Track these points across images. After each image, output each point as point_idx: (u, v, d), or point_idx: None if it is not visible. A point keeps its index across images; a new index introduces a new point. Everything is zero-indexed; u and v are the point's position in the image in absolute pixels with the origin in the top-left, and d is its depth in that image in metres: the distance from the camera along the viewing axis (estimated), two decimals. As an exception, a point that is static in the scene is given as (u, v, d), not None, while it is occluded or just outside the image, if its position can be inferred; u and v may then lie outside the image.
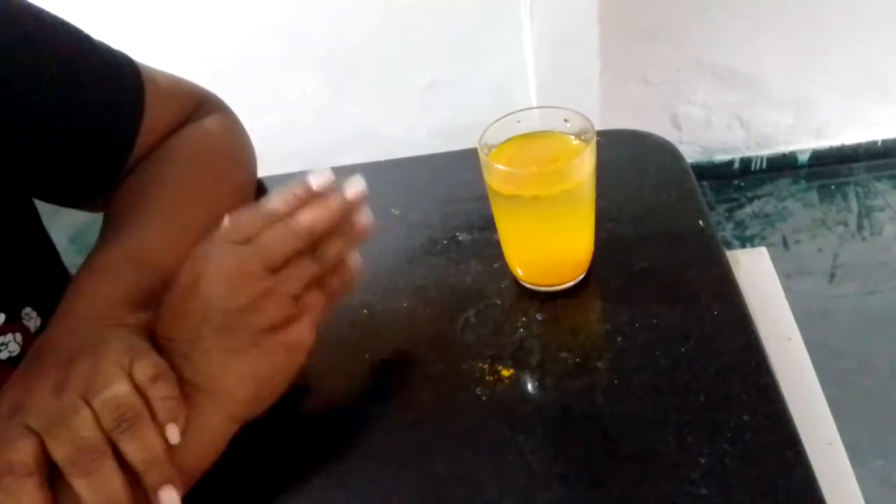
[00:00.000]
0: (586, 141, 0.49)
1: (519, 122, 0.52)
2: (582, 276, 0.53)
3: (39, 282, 0.49)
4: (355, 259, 0.46)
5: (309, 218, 0.43)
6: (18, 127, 0.46)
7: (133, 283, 0.45)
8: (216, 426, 0.41)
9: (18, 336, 0.45)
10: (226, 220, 0.43)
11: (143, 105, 0.53)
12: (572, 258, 0.52)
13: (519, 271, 0.53)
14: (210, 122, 0.58)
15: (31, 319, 0.46)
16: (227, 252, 0.41)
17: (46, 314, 0.46)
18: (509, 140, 0.52)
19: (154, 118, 0.54)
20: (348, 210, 0.45)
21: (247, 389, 0.41)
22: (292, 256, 0.42)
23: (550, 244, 0.52)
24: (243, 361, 0.41)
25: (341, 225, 0.45)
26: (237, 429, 0.42)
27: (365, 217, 0.46)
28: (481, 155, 0.49)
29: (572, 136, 0.51)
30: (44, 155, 0.48)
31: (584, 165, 0.48)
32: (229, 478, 0.45)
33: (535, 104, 1.64)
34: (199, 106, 0.59)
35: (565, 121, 0.51)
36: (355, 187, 0.45)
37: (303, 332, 0.43)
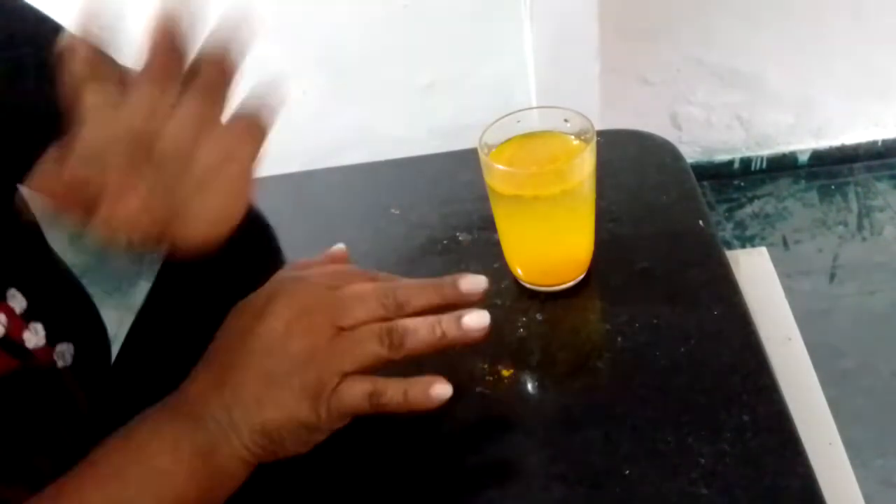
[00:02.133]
0: (586, 141, 0.49)
1: (519, 122, 0.52)
2: (582, 276, 0.53)
3: (24, 263, 0.49)
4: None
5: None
6: (23, 118, 0.46)
7: None
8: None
9: (3, 317, 0.45)
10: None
11: None
12: (572, 258, 0.52)
13: (519, 271, 0.53)
14: None
15: (17, 300, 0.46)
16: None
17: (32, 296, 0.46)
18: (509, 140, 0.52)
19: None
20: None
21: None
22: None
23: (550, 244, 0.52)
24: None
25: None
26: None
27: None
28: (481, 155, 0.49)
29: (572, 136, 0.51)
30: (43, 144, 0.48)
31: (584, 165, 0.48)
32: (229, 478, 0.45)
33: (535, 104, 1.64)
34: None
35: (565, 121, 0.51)
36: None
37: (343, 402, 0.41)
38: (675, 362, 0.46)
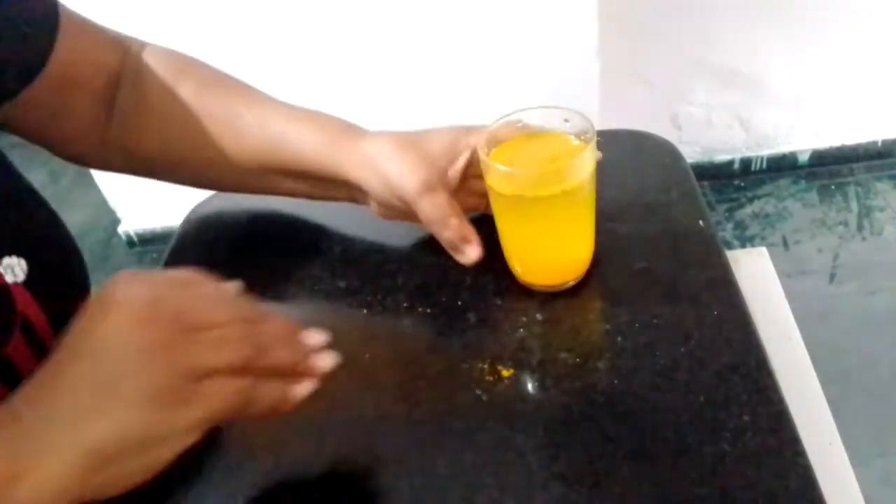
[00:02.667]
0: (586, 141, 0.49)
1: (519, 122, 0.52)
2: (582, 276, 0.53)
3: (23, 229, 0.47)
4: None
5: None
6: None
7: None
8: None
9: None
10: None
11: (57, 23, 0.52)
12: (572, 258, 0.52)
13: (518, 270, 0.53)
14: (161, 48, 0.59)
15: (11, 271, 0.43)
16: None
17: (35, 259, 0.45)
18: (509, 140, 0.52)
19: (72, 46, 0.53)
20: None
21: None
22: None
23: (550, 244, 0.52)
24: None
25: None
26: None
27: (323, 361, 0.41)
28: (481, 155, 0.49)
29: (573, 136, 0.51)
30: None
31: (585, 165, 0.48)
32: (229, 478, 0.45)
33: (535, 104, 1.63)
34: (128, 47, 0.59)
35: (566, 121, 0.51)
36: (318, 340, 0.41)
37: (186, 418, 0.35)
38: (675, 362, 0.46)
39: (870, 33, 1.71)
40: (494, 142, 0.51)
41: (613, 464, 0.41)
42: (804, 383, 0.62)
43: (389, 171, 0.52)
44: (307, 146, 0.54)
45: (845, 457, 0.56)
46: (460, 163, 0.53)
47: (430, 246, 0.59)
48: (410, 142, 0.53)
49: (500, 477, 0.42)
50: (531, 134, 0.52)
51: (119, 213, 2.04)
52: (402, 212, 0.54)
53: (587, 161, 0.48)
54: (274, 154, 0.56)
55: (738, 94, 1.81)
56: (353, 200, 0.58)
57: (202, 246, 0.63)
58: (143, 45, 0.59)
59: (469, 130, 0.54)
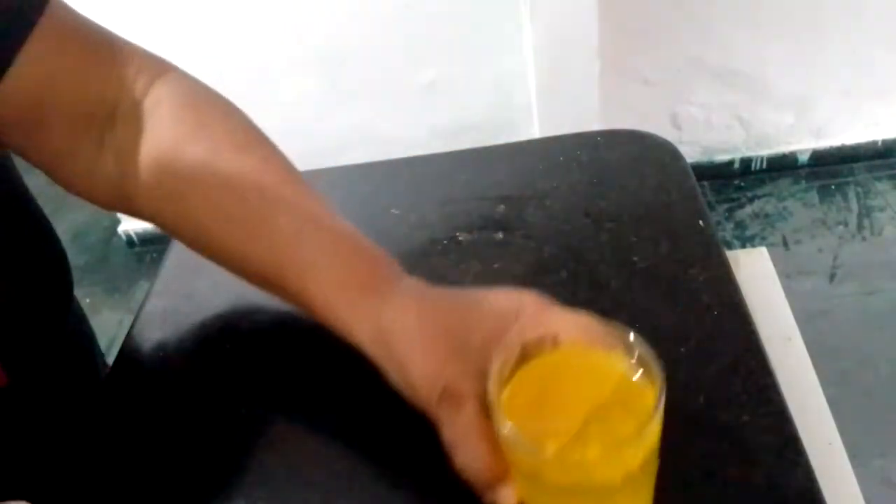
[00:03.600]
0: (651, 380, 0.32)
1: (553, 339, 0.34)
2: None
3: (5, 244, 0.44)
4: None
5: None
6: None
7: None
8: None
9: None
10: None
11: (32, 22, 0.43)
12: None
13: None
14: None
15: None
16: None
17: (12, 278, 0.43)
18: (534, 362, 0.34)
19: (47, 55, 0.44)
20: None
21: None
22: None
23: None
24: None
25: None
26: None
27: None
28: (493, 410, 0.32)
29: (629, 362, 0.34)
30: None
31: (653, 429, 0.31)
32: (229, 477, 0.45)
33: (534, 104, 1.64)
34: (140, 67, 0.48)
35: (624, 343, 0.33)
36: None
37: None
38: (675, 362, 0.46)
39: (870, 33, 1.71)
40: (512, 360, 0.34)
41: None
42: (804, 383, 0.62)
43: (406, 364, 0.38)
44: (312, 284, 0.42)
45: (845, 457, 0.56)
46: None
47: (430, 246, 0.59)
48: (445, 324, 0.39)
49: (500, 477, 0.42)
50: (573, 355, 0.35)
51: (119, 213, 2.04)
52: (424, 412, 0.39)
53: (655, 424, 0.31)
54: (280, 279, 0.44)
55: (738, 94, 1.81)
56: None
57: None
58: (164, 68, 0.49)
59: (525, 309, 0.38)
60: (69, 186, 0.50)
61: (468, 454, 0.36)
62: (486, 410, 0.35)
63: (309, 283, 0.42)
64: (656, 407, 0.30)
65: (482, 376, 0.35)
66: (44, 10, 0.44)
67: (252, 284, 0.48)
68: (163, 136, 0.46)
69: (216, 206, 0.45)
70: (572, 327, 0.36)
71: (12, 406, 0.49)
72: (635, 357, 0.33)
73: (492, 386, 0.33)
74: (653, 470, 0.33)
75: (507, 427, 0.31)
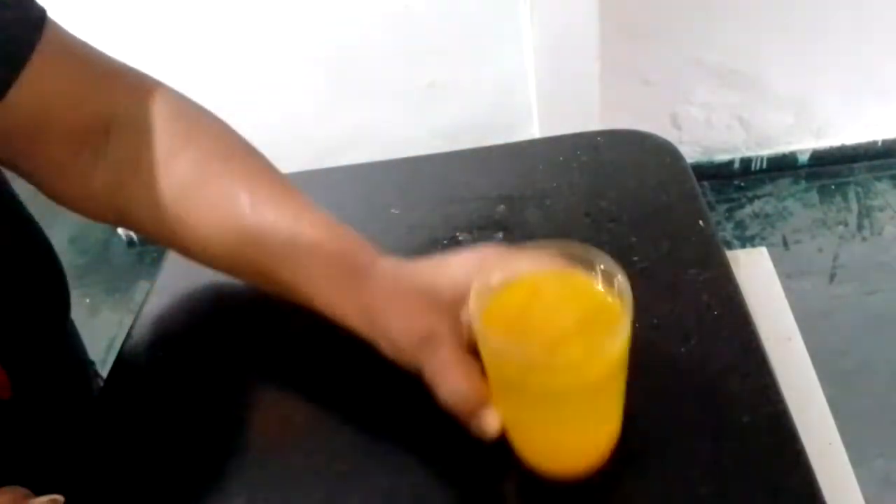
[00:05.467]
0: (619, 295, 0.36)
1: (525, 261, 0.39)
2: (605, 461, 0.41)
3: None
4: None
5: None
6: None
7: None
8: None
9: None
10: None
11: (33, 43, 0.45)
12: (592, 445, 0.40)
13: (523, 454, 0.41)
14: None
15: None
16: None
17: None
18: (514, 283, 0.38)
19: (48, 72, 0.46)
20: None
21: None
22: None
23: (564, 436, 0.40)
24: None
25: None
26: None
27: None
28: (473, 319, 0.36)
29: (599, 281, 0.37)
30: None
31: (620, 338, 0.34)
32: (230, 477, 0.45)
33: (535, 104, 1.64)
34: (131, 85, 0.51)
35: (596, 264, 0.37)
36: None
37: None
38: (675, 362, 0.46)
39: (870, 33, 1.72)
40: (491, 289, 0.38)
41: (613, 464, 0.41)
42: (804, 383, 0.62)
43: (389, 327, 0.43)
44: (303, 278, 0.46)
45: (845, 457, 0.56)
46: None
47: (430, 246, 0.59)
48: (416, 284, 0.44)
49: (500, 477, 0.42)
50: (546, 277, 0.38)
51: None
52: (413, 367, 0.42)
53: (622, 334, 0.34)
54: (271, 271, 0.47)
55: (738, 94, 1.81)
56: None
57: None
58: (153, 85, 0.51)
59: (486, 260, 0.42)
60: (61, 199, 0.52)
61: (450, 385, 0.39)
62: (462, 349, 0.40)
63: (300, 275, 0.46)
64: (625, 310, 0.34)
65: (456, 325, 0.41)
66: (42, 32, 0.46)
67: (243, 280, 0.52)
68: (155, 147, 0.48)
69: (209, 211, 0.47)
70: (534, 264, 0.39)
71: (15, 418, 0.49)
72: (600, 274, 0.37)
73: (472, 305, 0.36)
74: (624, 376, 0.37)
75: (494, 341, 0.35)
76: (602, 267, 0.37)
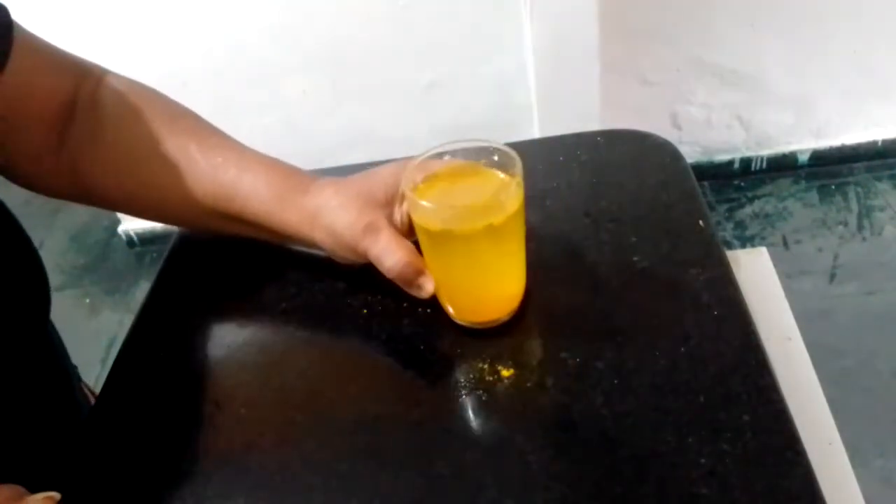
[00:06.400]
0: (513, 175, 0.48)
1: (446, 155, 0.50)
2: (514, 313, 0.51)
3: None
4: None
5: None
6: None
7: None
8: None
9: None
10: None
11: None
12: (502, 294, 0.51)
13: (450, 310, 0.51)
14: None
15: None
16: None
17: None
18: (436, 174, 0.50)
19: (25, 69, 0.52)
20: None
21: None
22: None
23: (479, 281, 0.50)
24: None
25: None
26: None
27: None
28: (406, 191, 0.47)
29: (500, 172, 0.49)
30: None
31: (511, 200, 0.46)
32: (230, 477, 0.45)
33: (534, 104, 1.64)
34: (86, 73, 0.57)
35: (493, 156, 0.49)
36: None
37: None
38: (675, 362, 0.46)
39: (870, 33, 1.72)
40: (421, 176, 0.50)
41: (613, 464, 0.41)
42: (804, 383, 0.62)
43: (333, 224, 0.51)
44: (255, 201, 0.53)
45: (845, 457, 0.56)
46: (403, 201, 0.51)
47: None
48: (353, 189, 0.52)
49: (499, 477, 0.42)
50: (459, 168, 0.50)
51: (119, 213, 2.04)
52: (359, 257, 0.52)
53: (513, 196, 0.47)
54: (225, 203, 0.54)
55: (738, 94, 1.81)
56: (313, 247, 0.55)
57: (202, 245, 0.63)
58: (103, 72, 0.57)
59: (410, 163, 0.52)
60: (28, 182, 0.57)
61: (392, 258, 0.49)
62: (399, 234, 0.50)
63: (251, 201, 0.54)
64: (515, 179, 0.47)
65: (391, 219, 0.51)
66: (13, 33, 0.51)
67: (200, 227, 0.60)
68: (111, 121, 0.55)
69: (166, 167, 0.54)
70: (447, 164, 0.50)
71: None
72: (500, 164, 0.49)
73: (405, 183, 0.47)
74: (523, 239, 0.50)
75: (423, 203, 0.46)
76: (496, 158, 0.49)
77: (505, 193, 0.46)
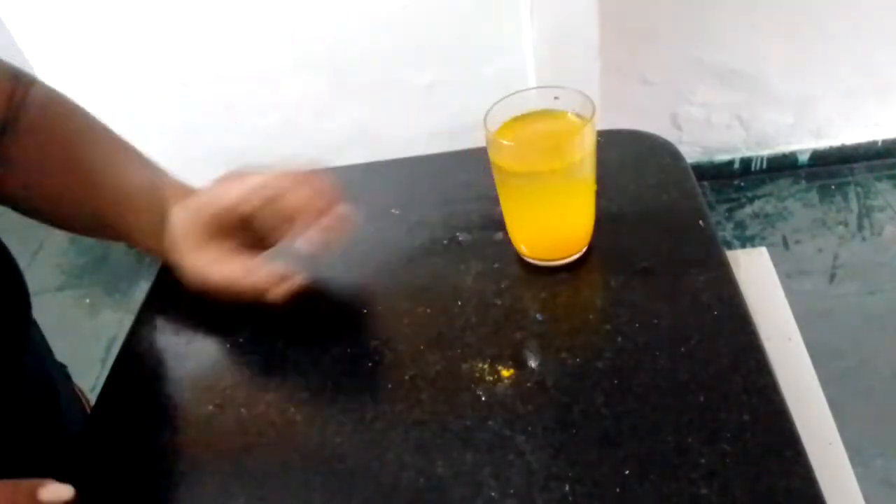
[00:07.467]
0: (587, 118, 0.50)
1: (522, 101, 0.53)
2: (583, 252, 0.55)
3: None
4: None
5: None
6: None
7: None
8: None
9: None
10: None
11: None
12: (574, 233, 0.54)
13: (523, 248, 0.55)
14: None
15: None
16: None
17: None
18: (513, 119, 0.53)
19: None
20: None
21: None
22: None
23: (553, 219, 0.54)
24: None
25: None
26: None
27: None
28: (486, 133, 0.50)
29: (573, 115, 0.53)
30: None
31: (585, 142, 0.49)
32: (230, 477, 0.45)
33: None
34: (15, 78, 0.57)
35: (556, 98, 0.53)
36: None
37: None
38: (675, 362, 0.46)
39: (870, 33, 1.71)
40: (496, 121, 0.53)
41: (613, 464, 0.41)
42: (804, 383, 0.62)
43: (181, 257, 0.54)
44: (133, 219, 0.56)
45: (845, 457, 0.56)
46: (224, 206, 0.53)
47: (431, 246, 0.59)
48: (195, 238, 0.54)
49: (500, 477, 0.42)
50: (533, 113, 0.53)
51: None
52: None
53: (588, 136, 0.49)
54: (108, 218, 0.57)
55: (738, 94, 1.81)
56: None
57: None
58: (30, 82, 0.57)
59: (234, 176, 0.54)
60: None
61: (246, 281, 0.52)
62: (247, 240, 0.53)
63: (126, 213, 0.56)
64: (587, 122, 0.49)
65: (217, 229, 0.53)
66: None
67: (93, 235, 0.62)
68: (27, 135, 0.55)
69: (70, 181, 0.56)
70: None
71: None
72: (574, 106, 0.52)
73: (488, 127, 0.51)
74: (591, 175, 0.52)
75: (505, 144, 0.51)
76: (571, 101, 0.52)
77: (580, 134, 0.49)
